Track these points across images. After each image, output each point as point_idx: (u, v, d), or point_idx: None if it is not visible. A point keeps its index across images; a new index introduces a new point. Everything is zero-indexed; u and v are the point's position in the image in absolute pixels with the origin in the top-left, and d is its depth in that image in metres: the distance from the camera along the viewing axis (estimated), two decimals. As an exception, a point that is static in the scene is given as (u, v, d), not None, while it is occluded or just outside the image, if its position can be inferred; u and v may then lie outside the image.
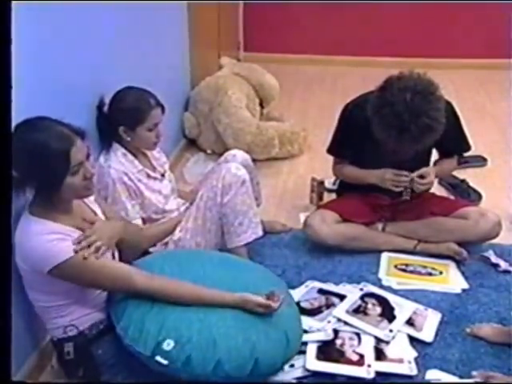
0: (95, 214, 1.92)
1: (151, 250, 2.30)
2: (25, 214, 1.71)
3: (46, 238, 1.65)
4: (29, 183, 1.68)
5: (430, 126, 2.15)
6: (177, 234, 2.33)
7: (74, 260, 1.67)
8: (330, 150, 2.66)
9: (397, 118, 2.14)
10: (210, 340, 1.69)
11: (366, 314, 2.17)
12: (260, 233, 2.37)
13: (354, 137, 2.45)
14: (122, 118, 2.22)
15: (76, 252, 1.67)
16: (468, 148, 2.62)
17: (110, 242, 1.82)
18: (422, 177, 2.41)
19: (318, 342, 2.03)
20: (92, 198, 1.93)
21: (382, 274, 2.46)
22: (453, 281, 2.43)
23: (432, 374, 1.95)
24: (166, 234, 2.34)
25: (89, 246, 1.71)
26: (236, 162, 2.42)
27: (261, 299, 1.81)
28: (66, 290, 1.76)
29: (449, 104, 2.37)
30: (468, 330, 2.14)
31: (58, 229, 1.69)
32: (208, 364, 1.67)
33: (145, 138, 2.24)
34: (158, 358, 1.67)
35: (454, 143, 2.52)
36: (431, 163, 2.60)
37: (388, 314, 2.17)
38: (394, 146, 2.24)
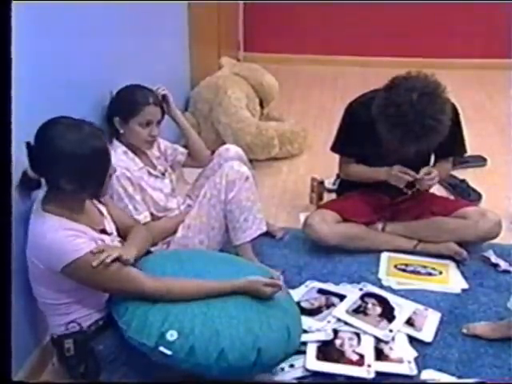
0: (101, 213, 1.93)
1: (152, 249, 2.30)
2: (38, 211, 1.72)
3: (62, 234, 1.67)
4: (68, 184, 1.70)
5: (434, 128, 2.15)
6: (179, 232, 2.34)
7: (89, 257, 1.68)
8: (333, 148, 2.66)
9: (402, 119, 2.14)
10: (212, 330, 1.70)
11: (365, 314, 2.17)
12: (264, 228, 2.38)
13: (358, 135, 2.45)
14: (118, 108, 2.26)
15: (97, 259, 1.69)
16: (464, 151, 2.62)
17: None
18: (427, 174, 2.41)
19: (317, 341, 2.04)
20: None
21: (381, 274, 2.46)
22: (453, 281, 2.43)
23: (427, 374, 1.95)
24: (168, 233, 2.35)
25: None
26: (229, 155, 2.47)
27: (267, 279, 1.84)
28: (73, 288, 1.76)
29: (452, 105, 2.37)
30: (464, 330, 2.14)
31: (72, 226, 1.71)
32: (211, 354, 1.68)
33: (136, 133, 2.24)
34: (162, 349, 1.68)
35: (452, 145, 2.52)
36: (431, 162, 2.60)
37: (388, 314, 2.17)
38: (397, 146, 2.24)
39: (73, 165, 1.68)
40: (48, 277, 1.74)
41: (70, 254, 1.66)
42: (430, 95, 2.16)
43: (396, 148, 2.27)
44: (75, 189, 1.72)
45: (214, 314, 1.73)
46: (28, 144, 1.69)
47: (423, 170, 2.40)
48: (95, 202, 1.92)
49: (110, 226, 1.93)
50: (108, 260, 1.69)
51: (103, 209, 1.95)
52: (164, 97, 2.38)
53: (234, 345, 1.69)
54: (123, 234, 2.00)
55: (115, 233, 1.95)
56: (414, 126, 2.13)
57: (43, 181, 1.77)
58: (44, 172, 1.73)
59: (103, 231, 1.87)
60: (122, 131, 2.25)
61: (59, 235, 1.67)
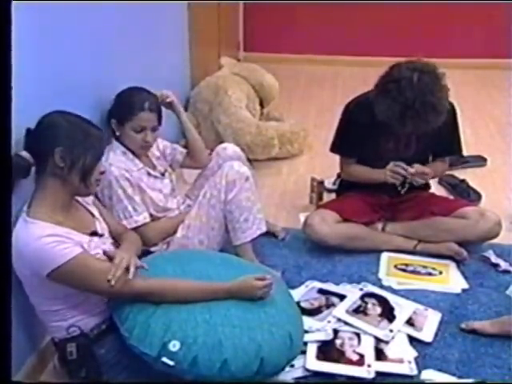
0: (93, 215, 1.91)
1: (152, 249, 2.30)
2: (22, 216, 1.69)
3: (43, 241, 1.62)
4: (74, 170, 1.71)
5: (434, 106, 2.16)
6: (179, 232, 2.34)
7: (73, 263, 1.65)
8: (332, 149, 2.67)
9: (402, 95, 2.16)
10: (215, 340, 1.69)
11: (365, 314, 2.17)
12: (264, 228, 2.38)
13: (356, 135, 2.45)
14: (115, 110, 2.26)
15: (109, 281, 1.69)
16: (460, 151, 2.63)
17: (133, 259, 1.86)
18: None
19: (318, 341, 2.03)
20: (90, 200, 1.93)
21: (381, 274, 2.46)
22: (453, 281, 2.43)
23: (427, 374, 1.95)
24: (168, 233, 2.35)
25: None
26: (228, 153, 2.48)
27: (257, 275, 1.84)
28: (68, 294, 1.74)
29: (451, 105, 2.37)
30: (463, 325, 2.14)
31: (56, 231, 1.66)
32: (214, 364, 1.67)
33: (129, 138, 2.24)
34: (165, 359, 1.67)
35: (448, 144, 2.53)
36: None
37: (388, 314, 2.17)
38: (396, 127, 2.24)
39: (68, 133, 1.69)
40: (38, 284, 1.71)
41: (53, 260, 1.63)
42: (430, 74, 2.19)
43: (395, 131, 2.26)
44: (64, 169, 1.68)
45: (216, 322, 1.73)
46: (28, 129, 1.70)
47: (416, 165, 2.41)
48: (86, 203, 1.90)
49: (101, 227, 1.90)
50: (118, 274, 1.70)
51: (95, 211, 1.93)
52: (170, 103, 2.40)
53: (236, 355, 1.68)
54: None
55: (107, 234, 1.92)
56: (413, 102, 2.14)
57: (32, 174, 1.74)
58: (38, 144, 1.69)
59: (94, 233, 1.83)
60: (118, 133, 2.25)
61: (41, 242, 1.62)
